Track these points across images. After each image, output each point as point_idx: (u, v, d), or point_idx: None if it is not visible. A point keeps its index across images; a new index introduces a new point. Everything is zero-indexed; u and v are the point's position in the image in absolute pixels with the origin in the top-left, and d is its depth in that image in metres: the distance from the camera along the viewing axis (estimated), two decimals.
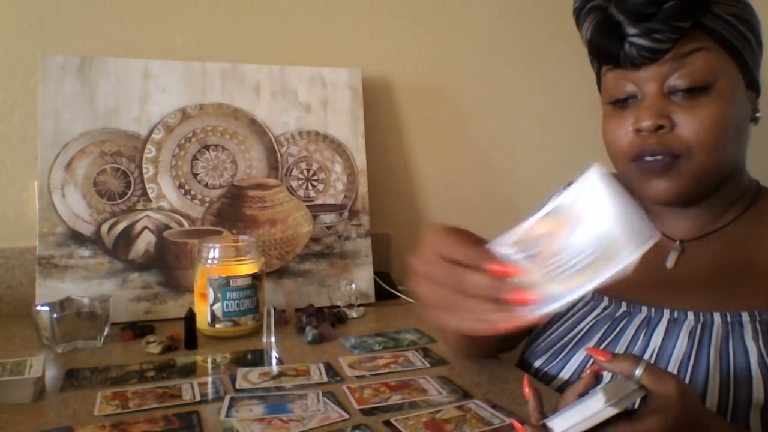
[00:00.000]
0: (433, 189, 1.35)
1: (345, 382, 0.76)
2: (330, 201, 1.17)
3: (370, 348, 0.90)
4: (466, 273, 0.52)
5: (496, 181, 1.41)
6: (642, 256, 0.80)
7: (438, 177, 1.35)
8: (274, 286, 1.09)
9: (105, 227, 1.04)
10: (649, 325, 0.74)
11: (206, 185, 1.10)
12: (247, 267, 0.94)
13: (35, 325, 0.88)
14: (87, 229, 1.03)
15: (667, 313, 0.74)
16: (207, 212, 1.10)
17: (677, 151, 0.69)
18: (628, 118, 0.72)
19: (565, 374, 0.76)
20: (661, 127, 0.69)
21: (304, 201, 1.15)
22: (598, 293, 0.81)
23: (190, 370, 0.81)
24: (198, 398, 0.71)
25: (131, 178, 1.07)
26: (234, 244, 0.97)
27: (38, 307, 0.88)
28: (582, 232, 0.48)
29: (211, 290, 0.92)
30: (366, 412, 0.67)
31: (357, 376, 0.78)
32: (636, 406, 0.51)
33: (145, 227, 1.06)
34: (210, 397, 0.72)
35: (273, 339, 0.91)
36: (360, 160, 1.19)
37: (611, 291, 0.80)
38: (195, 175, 1.10)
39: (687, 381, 0.67)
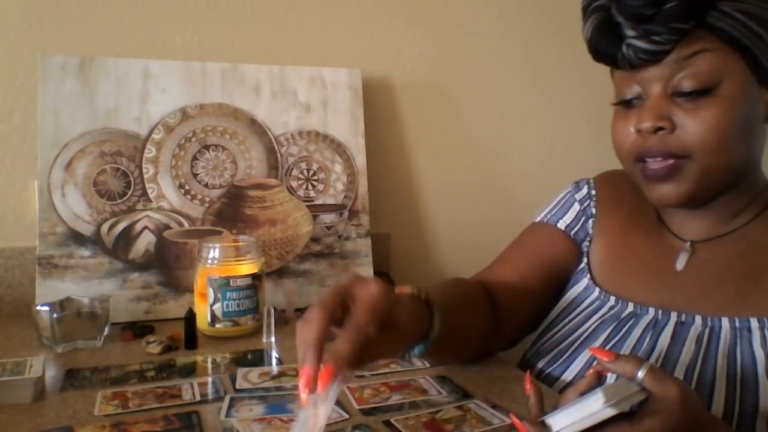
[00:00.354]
0: (433, 189, 1.35)
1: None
2: (330, 201, 1.17)
3: None
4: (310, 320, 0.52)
5: (496, 181, 1.40)
6: (652, 257, 0.79)
7: (438, 177, 1.35)
8: (274, 286, 1.09)
9: (105, 227, 1.04)
10: (655, 327, 0.73)
11: (206, 185, 1.10)
12: (247, 267, 0.94)
13: (35, 325, 0.88)
14: (87, 229, 1.03)
15: (674, 316, 0.73)
16: (207, 212, 1.10)
17: (678, 152, 0.68)
18: (632, 118, 0.71)
19: (569, 376, 0.75)
20: (661, 128, 0.68)
21: (304, 201, 1.15)
22: (605, 292, 0.80)
23: (190, 370, 0.81)
24: (198, 398, 0.71)
25: (131, 178, 1.07)
26: (234, 244, 0.97)
27: (38, 307, 0.88)
28: None
29: (211, 290, 0.92)
30: (366, 412, 0.67)
31: (357, 376, 0.78)
32: (638, 407, 0.51)
33: (145, 227, 1.06)
34: (210, 397, 0.72)
35: (273, 339, 0.91)
36: (360, 160, 1.19)
37: (618, 290, 0.79)
38: (195, 175, 1.10)
39: (693, 386, 0.66)
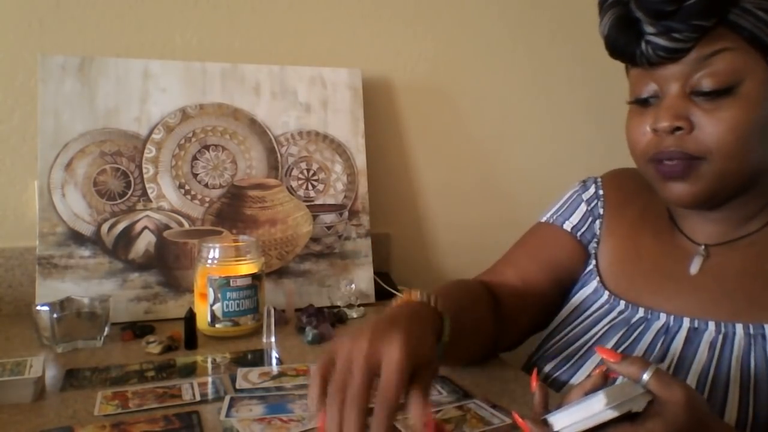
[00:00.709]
0: (433, 189, 1.35)
1: None
2: (330, 201, 1.17)
3: None
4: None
5: (496, 181, 1.40)
6: (663, 260, 0.78)
7: (438, 177, 1.35)
8: (274, 286, 1.09)
9: (105, 227, 1.04)
10: (667, 333, 0.71)
11: (206, 185, 1.10)
12: (247, 267, 0.94)
13: (35, 325, 0.88)
14: (87, 229, 1.03)
15: (687, 322, 0.71)
16: (207, 212, 1.10)
17: (695, 153, 0.66)
18: (648, 117, 0.70)
19: (576, 380, 0.74)
20: (679, 128, 0.66)
21: (304, 201, 1.15)
22: (614, 296, 0.78)
23: (190, 370, 0.81)
24: (198, 398, 0.71)
25: (131, 178, 1.07)
26: (234, 244, 0.97)
27: (38, 307, 0.88)
28: None
29: (211, 290, 0.92)
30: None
31: None
32: (641, 410, 0.51)
33: (145, 227, 1.06)
34: (210, 397, 0.72)
35: (273, 339, 0.91)
36: (360, 160, 1.19)
37: (628, 293, 0.78)
38: (195, 175, 1.10)
39: (706, 392, 0.65)
